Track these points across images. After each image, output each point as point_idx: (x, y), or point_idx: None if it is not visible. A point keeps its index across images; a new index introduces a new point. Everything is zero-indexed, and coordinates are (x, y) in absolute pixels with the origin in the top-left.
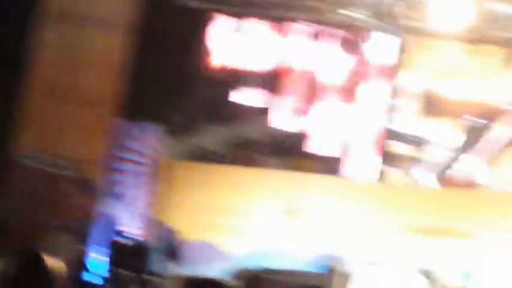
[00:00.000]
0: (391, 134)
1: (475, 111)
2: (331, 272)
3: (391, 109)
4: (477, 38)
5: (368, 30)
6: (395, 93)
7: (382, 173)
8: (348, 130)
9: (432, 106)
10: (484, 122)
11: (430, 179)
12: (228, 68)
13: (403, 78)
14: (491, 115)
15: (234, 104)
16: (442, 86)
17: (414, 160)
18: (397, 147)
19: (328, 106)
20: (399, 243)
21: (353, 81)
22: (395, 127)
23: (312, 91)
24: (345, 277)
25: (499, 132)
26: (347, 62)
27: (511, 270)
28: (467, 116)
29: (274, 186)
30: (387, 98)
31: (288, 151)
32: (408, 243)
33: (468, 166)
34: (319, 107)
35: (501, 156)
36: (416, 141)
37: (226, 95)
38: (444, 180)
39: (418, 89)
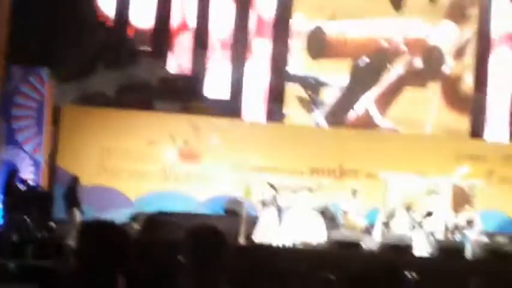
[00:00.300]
0: (287, 77)
1: (367, 51)
2: (228, 213)
3: (286, 52)
4: None
5: None
6: (289, 36)
7: (278, 115)
8: (242, 73)
9: (325, 47)
10: (377, 61)
11: (326, 120)
12: (121, 15)
13: (296, 21)
14: (383, 55)
15: (127, 49)
16: (334, 27)
17: (311, 101)
18: (293, 89)
19: (223, 52)
20: (298, 183)
21: (246, 28)
22: (291, 70)
23: (206, 39)
24: (242, 218)
25: (391, 72)
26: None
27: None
28: (360, 56)
29: (170, 129)
30: (281, 41)
31: (183, 94)
32: (307, 183)
33: (364, 106)
34: (215, 52)
35: (395, 96)
36: (312, 83)
37: (120, 40)
38: (340, 120)
39: (311, 30)
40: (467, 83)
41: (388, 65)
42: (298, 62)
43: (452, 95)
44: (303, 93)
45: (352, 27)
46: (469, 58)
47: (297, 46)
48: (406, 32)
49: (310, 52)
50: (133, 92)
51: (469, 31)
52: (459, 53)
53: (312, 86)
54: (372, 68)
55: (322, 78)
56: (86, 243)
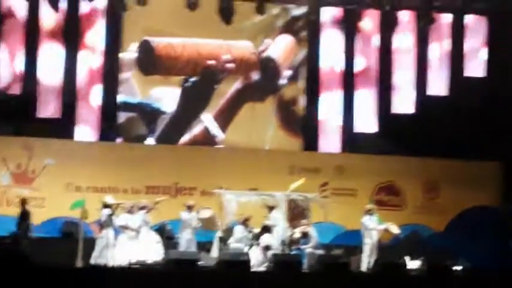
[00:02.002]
0: (119, 99)
1: (195, 70)
2: (65, 236)
3: (117, 70)
4: None
5: None
6: (120, 52)
7: (112, 135)
8: (74, 92)
9: (156, 62)
10: (205, 80)
11: (161, 141)
12: None
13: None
14: (211, 73)
15: None
16: (158, 43)
17: (144, 124)
18: (126, 109)
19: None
20: (134, 203)
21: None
22: (123, 91)
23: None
24: (79, 240)
25: (226, 88)
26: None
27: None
28: (189, 74)
29: (3, 152)
30: (113, 58)
31: (14, 116)
32: (143, 202)
33: (203, 125)
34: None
35: (234, 112)
36: (145, 107)
37: None
38: (176, 141)
39: (141, 44)
40: (301, 104)
41: (215, 85)
42: (130, 80)
43: (287, 115)
44: (136, 114)
45: (180, 43)
46: (302, 82)
47: (128, 62)
48: (236, 49)
49: (141, 68)
50: None
51: (302, 52)
52: (294, 76)
53: (145, 108)
54: (201, 87)
55: (154, 102)
56: None
